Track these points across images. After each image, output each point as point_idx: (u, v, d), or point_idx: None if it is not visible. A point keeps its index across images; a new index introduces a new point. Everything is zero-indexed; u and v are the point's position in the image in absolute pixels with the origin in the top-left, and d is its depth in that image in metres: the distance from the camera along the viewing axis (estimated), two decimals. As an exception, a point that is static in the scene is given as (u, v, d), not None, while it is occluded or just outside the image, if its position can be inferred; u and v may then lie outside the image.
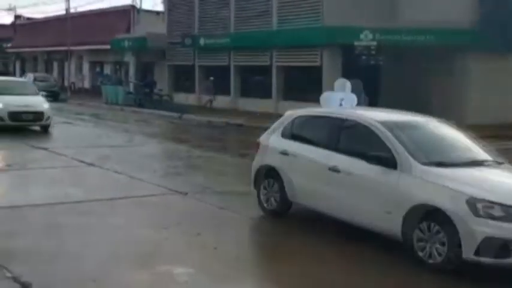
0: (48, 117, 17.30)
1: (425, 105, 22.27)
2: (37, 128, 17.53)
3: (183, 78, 33.54)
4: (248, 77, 29.50)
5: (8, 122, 16.74)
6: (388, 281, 5.78)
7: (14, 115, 16.78)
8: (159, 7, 40.10)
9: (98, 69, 43.28)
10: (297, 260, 6.31)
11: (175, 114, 25.89)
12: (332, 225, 7.17)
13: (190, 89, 32.23)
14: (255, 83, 29.11)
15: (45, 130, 17.48)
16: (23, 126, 17.22)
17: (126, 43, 36.28)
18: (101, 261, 6.00)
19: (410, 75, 23.08)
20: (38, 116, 17.15)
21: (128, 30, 39.10)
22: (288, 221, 7.91)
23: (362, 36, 21.74)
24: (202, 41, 30.74)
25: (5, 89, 17.82)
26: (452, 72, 22.85)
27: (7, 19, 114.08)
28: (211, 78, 29.35)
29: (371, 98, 21.46)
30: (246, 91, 29.35)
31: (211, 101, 28.78)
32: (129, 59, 38.22)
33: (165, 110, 27.69)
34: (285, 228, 7.54)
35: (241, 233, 7.37)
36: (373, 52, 20.88)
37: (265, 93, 27.63)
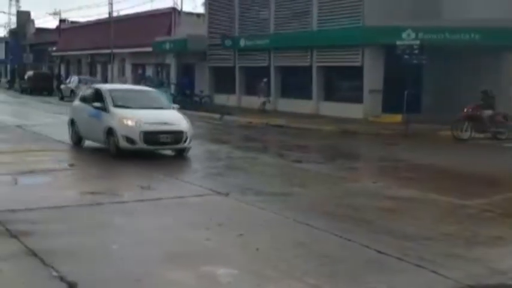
0: (190, 140, 13.24)
1: (469, 104, 21.85)
2: (169, 152, 13.66)
3: (223, 80, 33.72)
4: (288, 78, 29.44)
5: (142, 146, 12.75)
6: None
7: (150, 136, 12.75)
8: (200, 9, 40.56)
9: (140, 71, 43.91)
10: (340, 260, 6.23)
11: (215, 115, 26.03)
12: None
13: (230, 90, 32.37)
14: (295, 83, 29.03)
15: (183, 155, 13.40)
16: (158, 151, 13.59)
17: (168, 45, 36.71)
18: (144, 261, 6.04)
19: (455, 75, 22.62)
20: (178, 136, 13.05)
21: (169, 32, 39.55)
22: (328, 221, 7.83)
23: (404, 35, 21.42)
24: (242, 42, 30.86)
25: (133, 101, 13.79)
26: (498, 72, 22.31)
27: (52, 23, 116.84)
28: (265, 79, 28.87)
29: (413, 97, 21.15)
30: (286, 92, 29.30)
31: (265, 103, 28.12)
32: (170, 60, 38.65)
33: (205, 111, 27.88)
34: (324, 228, 7.46)
35: (283, 234, 7.33)
36: (416, 51, 20.53)
37: (306, 94, 27.53)
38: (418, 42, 20.83)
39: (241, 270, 5.86)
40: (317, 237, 7.24)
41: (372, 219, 8.14)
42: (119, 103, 13.48)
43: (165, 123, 13.11)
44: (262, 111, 27.28)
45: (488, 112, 18.23)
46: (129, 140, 12.67)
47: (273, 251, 6.56)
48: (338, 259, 6.36)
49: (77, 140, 14.85)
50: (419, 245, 6.93)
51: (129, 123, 12.79)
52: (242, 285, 5.57)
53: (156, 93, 15.30)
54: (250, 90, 31.01)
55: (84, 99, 14.90)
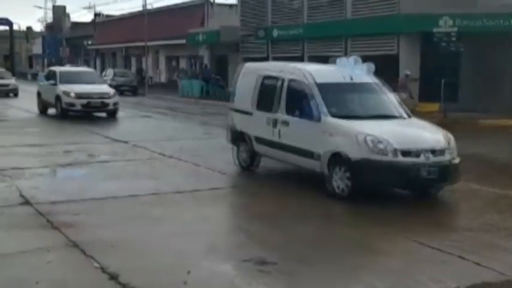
0: None
1: (509, 92, 21.34)
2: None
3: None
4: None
5: None
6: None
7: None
8: (232, 0, 40.43)
9: (173, 63, 44.13)
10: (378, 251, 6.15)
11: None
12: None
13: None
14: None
15: None
16: None
17: (201, 37, 36.79)
18: (186, 252, 6.06)
19: (493, 63, 22.06)
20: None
21: (202, 24, 39.62)
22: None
23: (441, 22, 21.00)
24: (275, 33, 30.70)
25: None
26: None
27: (87, 17, 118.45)
28: (408, 72, 21.67)
29: (451, 85, 20.68)
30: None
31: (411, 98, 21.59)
32: (204, 52, 38.75)
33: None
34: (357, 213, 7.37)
35: (321, 221, 7.29)
36: (454, 39, 20.07)
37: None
38: (455, 29, 20.38)
39: (282, 260, 5.81)
40: (350, 221, 7.18)
41: (409, 210, 8.02)
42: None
43: None
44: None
45: None
46: None
47: (314, 237, 6.51)
48: (376, 250, 6.28)
49: None
50: (461, 236, 6.80)
51: None
52: (285, 273, 5.52)
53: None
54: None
55: None
